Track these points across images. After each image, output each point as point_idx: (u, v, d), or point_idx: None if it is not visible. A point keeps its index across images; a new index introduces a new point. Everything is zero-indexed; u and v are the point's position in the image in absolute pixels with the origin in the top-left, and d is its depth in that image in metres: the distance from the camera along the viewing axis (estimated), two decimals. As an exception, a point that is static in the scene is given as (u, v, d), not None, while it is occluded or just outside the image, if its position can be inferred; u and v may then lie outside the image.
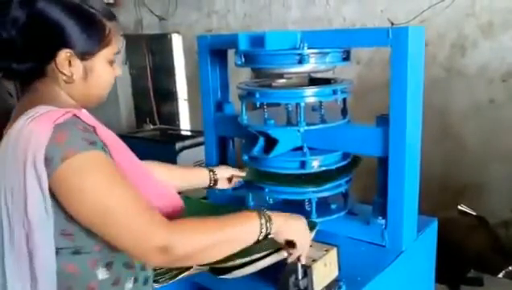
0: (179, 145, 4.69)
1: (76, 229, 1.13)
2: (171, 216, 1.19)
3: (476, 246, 3.00)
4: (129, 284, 1.24)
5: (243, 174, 1.93)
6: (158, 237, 1.08)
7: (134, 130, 6.10)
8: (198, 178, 1.83)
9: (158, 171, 1.59)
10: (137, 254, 1.11)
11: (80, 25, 1.16)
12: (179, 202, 1.35)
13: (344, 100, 1.92)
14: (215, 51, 2.15)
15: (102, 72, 1.24)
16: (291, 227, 1.36)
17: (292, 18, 4.48)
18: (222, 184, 1.89)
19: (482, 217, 3.20)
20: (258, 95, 1.83)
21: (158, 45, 6.10)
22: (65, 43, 1.15)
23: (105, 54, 1.23)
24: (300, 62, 1.76)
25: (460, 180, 3.64)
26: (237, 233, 1.24)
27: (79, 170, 1.06)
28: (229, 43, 1.97)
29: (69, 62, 1.16)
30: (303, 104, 1.79)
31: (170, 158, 4.65)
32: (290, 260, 1.43)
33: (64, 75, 1.17)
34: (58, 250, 1.12)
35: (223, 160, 2.27)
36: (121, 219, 1.08)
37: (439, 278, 2.22)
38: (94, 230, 1.10)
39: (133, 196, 1.11)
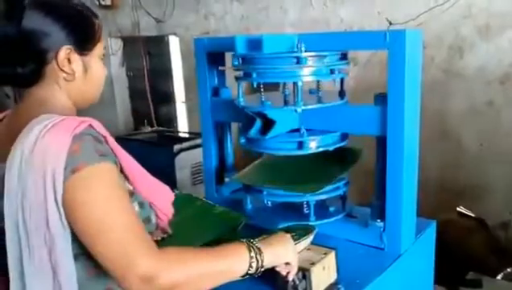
0: (176, 147, 4.69)
1: None
2: (167, 211, 1.27)
3: (475, 248, 3.00)
4: None
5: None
6: (144, 265, 1.05)
7: (131, 132, 6.09)
8: None
9: None
10: (118, 276, 1.07)
11: (74, 21, 1.19)
12: (171, 197, 1.35)
13: (342, 81, 1.90)
14: (212, 54, 2.14)
15: (97, 67, 1.28)
16: (280, 256, 1.36)
17: (289, 20, 4.48)
18: None
19: (481, 219, 3.20)
20: (254, 75, 1.80)
21: (156, 47, 6.10)
22: (62, 41, 1.17)
23: (97, 50, 1.26)
24: (298, 64, 1.75)
25: (459, 182, 3.64)
26: (225, 266, 1.22)
27: (86, 183, 1.06)
28: (227, 46, 1.96)
29: (69, 60, 1.18)
30: (300, 83, 1.76)
31: (167, 160, 4.65)
32: (291, 277, 1.42)
33: (66, 73, 1.19)
34: (76, 256, 1.12)
35: (221, 162, 2.27)
36: (113, 238, 1.06)
37: (439, 280, 2.22)
38: (85, 243, 1.09)
39: (129, 218, 1.10)
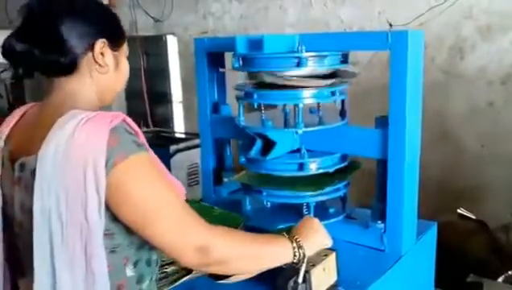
0: (173, 148, 4.66)
1: (118, 229, 1.16)
2: None
3: (476, 250, 2.99)
4: (147, 282, 1.28)
5: None
6: (201, 236, 1.15)
7: (128, 132, 6.06)
8: None
9: None
10: (175, 251, 1.15)
11: (109, 18, 1.29)
12: (184, 193, 1.37)
13: (343, 101, 1.91)
14: (211, 54, 2.14)
15: (125, 65, 1.35)
16: (318, 245, 1.47)
17: (289, 21, 4.46)
18: None
19: (482, 221, 3.20)
20: (255, 96, 1.81)
21: (153, 47, 6.08)
22: (100, 34, 1.22)
23: (125, 48, 1.34)
24: (298, 65, 1.75)
25: (460, 184, 3.64)
26: (273, 251, 1.33)
27: (131, 172, 1.10)
28: (227, 46, 1.96)
29: (102, 54, 1.23)
30: (301, 105, 1.77)
31: (164, 160, 4.61)
32: None
33: (100, 66, 1.24)
34: None
35: (220, 163, 2.26)
36: (170, 215, 1.14)
37: (439, 282, 2.21)
38: (136, 228, 1.14)
39: (177, 196, 1.18)
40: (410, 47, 1.60)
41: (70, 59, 1.20)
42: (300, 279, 1.41)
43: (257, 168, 1.94)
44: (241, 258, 1.24)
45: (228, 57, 2.01)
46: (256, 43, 1.74)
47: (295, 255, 1.35)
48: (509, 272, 2.83)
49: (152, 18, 5.61)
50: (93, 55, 1.22)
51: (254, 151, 1.88)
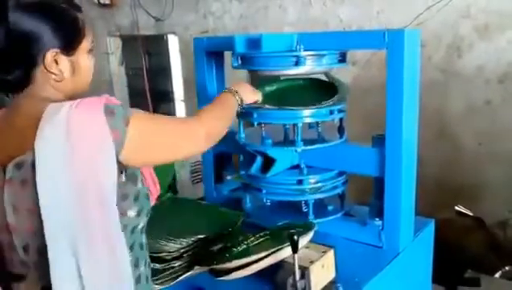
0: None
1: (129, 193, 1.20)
2: (156, 193, 1.36)
3: (474, 246, 3.00)
4: (142, 267, 1.29)
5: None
6: (203, 129, 1.38)
7: (130, 131, 6.07)
8: None
9: None
10: (194, 146, 1.38)
11: (58, 23, 1.19)
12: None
13: (341, 119, 1.93)
14: (211, 53, 2.15)
15: (85, 62, 1.28)
16: (245, 90, 1.70)
17: (289, 20, 4.47)
18: None
19: (479, 217, 3.21)
20: (255, 115, 1.84)
21: (155, 46, 6.09)
22: (49, 44, 1.17)
23: (84, 45, 1.26)
24: (297, 64, 1.77)
25: (457, 181, 3.65)
26: (230, 107, 1.61)
27: (144, 121, 1.22)
28: (226, 45, 1.98)
29: (56, 62, 1.19)
30: (300, 124, 1.80)
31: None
32: None
33: (54, 74, 1.20)
34: None
35: (221, 162, 2.28)
36: (185, 129, 1.35)
37: (437, 278, 2.23)
38: (166, 159, 1.34)
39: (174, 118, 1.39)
40: (407, 46, 1.61)
41: (18, 76, 1.18)
42: (298, 276, 1.43)
43: (257, 184, 1.99)
44: (220, 123, 1.49)
45: (227, 56, 2.03)
46: (254, 42, 1.76)
47: (237, 100, 1.63)
48: (507, 268, 2.84)
49: (153, 17, 5.61)
50: (45, 66, 1.18)
51: (255, 169, 1.92)
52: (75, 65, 1.24)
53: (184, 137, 1.34)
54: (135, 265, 1.25)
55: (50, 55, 1.18)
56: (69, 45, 1.22)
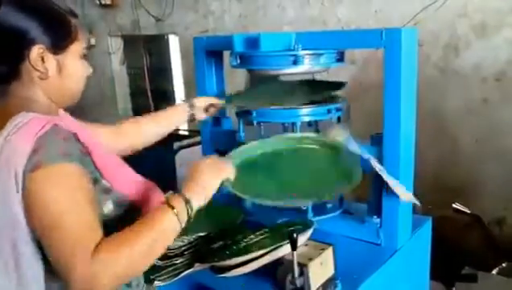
0: (176, 145, 4.68)
1: None
2: (146, 198, 1.29)
3: (471, 243, 3.02)
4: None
5: (221, 101, 1.92)
6: (79, 271, 1.03)
7: (131, 130, 6.09)
8: (173, 115, 1.85)
9: (133, 129, 1.68)
10: (62, 277, 1.07)
11: (47, 20, 1.19)
12: (161, 198, 1.33)
13: (339, 118, 1.93)
14: (211, 53, 2.16)
15: (75, 66, 1.26)
16: (206, 187, 1.34)
17: (287, 19, 4.49)
18: (200, 115, 1.89)
19: (476, 215, 3.22)
20: (254, 114, 1.85)
21: (155, 46, 6.10)
22: (36, 39, 1.16)
23: (74, 49, 1.25)
24: (295, 63, 1.78)
25: (455, 179, 3.66)
26: (156, 235, 1.16)
27: (44, 181, 1.07)
28: (225, 45, 1.98)
29: (42, 59, 1.18)
30: (298, 123, 1.82)
31: (167, 157, 4.65)
32: None
33: (39, 71, 1.19)
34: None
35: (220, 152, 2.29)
36: (56, 238, 1.06)
37: (434, 275, 2.24)
38: (39, 236, 1.10)
39: (80, 218, 1.09)
40: (404, 45, 1.62)
41: (3, 68, 1.18)
42: (297, 273, 1.44)
43: None
44: (131, 266, 1.11)
45: (227, 56, 2.04)
46: (253, 42, 1.77)
47: (179, 220, 1.21)
48: (503, 265, 2.86)
49: (154, 17, 5.62)
50: (30, 62, 1.17)
51: None
52: (61, 66, 1.22)
53: (63, 247, 1.06)
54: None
55: (36, 51, 1.16)
56: (57, 43, 1.20)
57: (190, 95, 5.57)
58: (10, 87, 1.20)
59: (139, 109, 6.50)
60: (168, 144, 4.72)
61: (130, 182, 1.32)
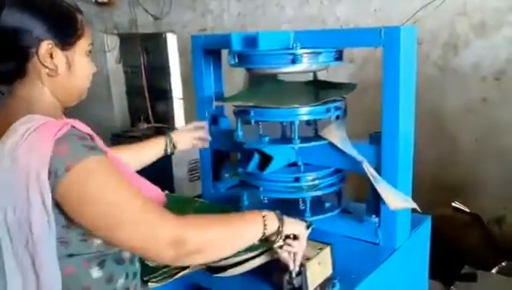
0: (173, 144, 4.69)
1: (73, 238, 1.14)
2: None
3: (470, 242, 3.02)
4: (121, 280, 1.26)
5: (202, 124, 1.94)
6: (170, 231, 1.11)
7: (127, 128, 6.08)
8: (152, 148, 1.85)
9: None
10: (149, 251, 1.13)
11: (55, 16, 1.17)
12: (162, 199, 1.36)
13: (338, 116, 1.92)
14: (209, 51, 2.16)
15: (82, 63, 1.25)
16: (297, 224, 1.42)
17: (286, 18, 4.48)
18: (183, 145, 1.93)
19: (476, 214, 3.22)
20: (252, 113, 1.84)
21: (153, 44, 6.09)
22: (43, 36, 1.14)
23: (81, 45, 1.23)
24: (293, 62, 1.77)
25: (454, 178, 3.66)
26: (242, 230, 1.28)
27: (84, 177, 1.07)
28: (223, 43, 1.97)
29: (51, 55, 1.16)
30: (297, 122, 1.81)
31: (165, 157, 4.64)
32: (287, 257, 1.43)
33: (48, 68, 1.17)
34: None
35: (219, 160, 2.28)
36: (131, 217, 1.10)
37: (434, 274, 2.24)
38: (101, 235, 1.12)
39: (138, 197, 1.13)
40: (403, 44, 1.62)
41: (10, 66, 1.16)
42: (294, 273, 1.43)
43: (254, 181, 1.99)
44: (215, 244, 1.19)
45: (225, 54, 2.04)
46: (251, 40, 1.76)
47: (265, 229, 1.30)
48: (503, 264, 2.86)
49: (151, 15, 5.61)
50: (39, 59, 1.15)
51: (252, 166, 1.93)
52: (70, 62, 1.21)
53: (138, 229, 1.10)
54: (108, 281, 1.21)
55: (45, 47, 1.15)
56: (65, 39, 1.19)
57: (188, 94, 5.57)
58: (12, 87, 1.19)
59: (136, 108, 6.49)
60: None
61: (137, 186, 1.30)
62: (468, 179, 3.60)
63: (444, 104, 3.66)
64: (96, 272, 1.19)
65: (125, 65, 6.51)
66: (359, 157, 1.73)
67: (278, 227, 1.34)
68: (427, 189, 3.47)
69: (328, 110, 1.83)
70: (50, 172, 1.04)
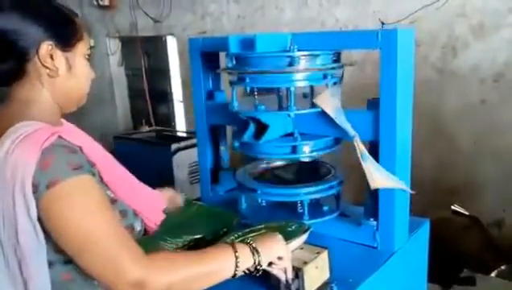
0: (174, 146, 4.71)
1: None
2: (156, 218, 1.27)
3: (469, 245, 3.01)
4: None
5: (181, 197, 1.82)
6: (134, 272, 1.06)
7: (130, 131, 6.11)
8: None
9: None
10: (110, 286, 1.08)
11: (54, 18, 1.17)
12: (162, 205, 1.36)
13: (335, 84, 1.88)
14: (207, 54, 2.15)
15: (82, 65, 1.24)
16: (273, 249, 1.37)
17: (285, 20, 4.48)
18: None
19: (475, 216, 3.22)
20: (248, 80, 1.80)
21: (154, 47, 6.11)
22: (43, 37, 1.14)
23: (80, 48, 1.23)
24: (291, 64, 1.76)
25: (453, 181, 3.65)
26: (212, 267, 1.22)
27: (63, 198, 1.05)
28: (221, 46, 1.97)
29: (51, 56, 1.16)
30: (293, 88, 1.76)
31: (165, 159, 4.66)
32: (289, 275, 1.42)
33: (48, 68, 1.16)
34: (51, 263, 1.11)
35: (217, 162, 2.28)
36: (99, 250, 1.06)
37: (432, 278, 2.23)
38: (71, 255, 1.09)
39: (113, 227, 1.10)
40: (400, 46, 1.61)
41: (9, 67, 1.15)
42: (290, 278, 1.42)
43: (250, 152, 1.94)
44: (181, 285, 1.14)
45: (223, 57, 2.03)
46: (248, 43, 1.75)
47: (237, 267, 1.25)
48: (502, 267, 2.85)
49: (152, 19, 5.63)
50: (39, 59, 1.15)
51: (248, 135, 1.88)
52: (71, 63, 1.20)
53: (104, 261, 1.07)
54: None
55: (45, 48, 1.14)
56: (65, 40, 1.18)
57: (187, 96, 5.58)
58: (10, 89, 1.18)
59: (137, 111, 6.51)
60: (166, 145, 4.74)
61: (135, 193, 1.30)
62: (467, 181, 3.59)
63: (443, 106, 3.66)
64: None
65: (127, 68, 6.54)
66: (351, 131, 1.70)
67: (254, 262, 1.30)
68: (426, 192, 3.46)
69: (325, 76, 1.79)
70: (33, 185, 1.03)
